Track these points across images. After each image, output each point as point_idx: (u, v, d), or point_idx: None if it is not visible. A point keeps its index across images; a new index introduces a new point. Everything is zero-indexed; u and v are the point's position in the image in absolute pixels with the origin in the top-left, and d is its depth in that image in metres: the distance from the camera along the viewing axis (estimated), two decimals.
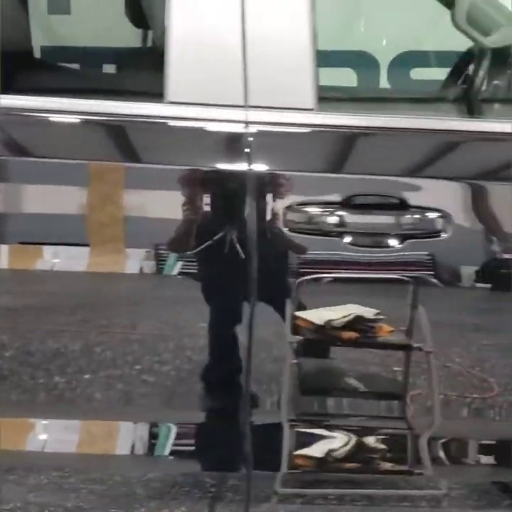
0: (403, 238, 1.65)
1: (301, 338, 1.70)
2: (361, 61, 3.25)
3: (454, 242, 1.65)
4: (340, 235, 1.65)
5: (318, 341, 1.73)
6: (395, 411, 1.79)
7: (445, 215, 1.65)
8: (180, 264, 1.66)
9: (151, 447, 1.77)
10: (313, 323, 1.72)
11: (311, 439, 1.74)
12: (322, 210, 1.64)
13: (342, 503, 1.76)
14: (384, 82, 3.28)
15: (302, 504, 1.75)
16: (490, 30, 2.17)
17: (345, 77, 3.22)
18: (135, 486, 1.75)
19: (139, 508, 1.71)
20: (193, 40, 1.64)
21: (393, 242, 1.65)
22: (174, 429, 1.76)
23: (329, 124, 1.67)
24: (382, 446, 1.76)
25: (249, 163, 1.62)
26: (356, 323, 1.72)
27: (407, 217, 1.65)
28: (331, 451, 1.72)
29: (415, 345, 1.71)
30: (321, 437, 1.74)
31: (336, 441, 1.73)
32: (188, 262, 1.66)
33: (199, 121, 1.65)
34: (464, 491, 1.82)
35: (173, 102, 1.64)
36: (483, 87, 2.04)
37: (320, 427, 1.75)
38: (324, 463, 1.72)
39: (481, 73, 2.05)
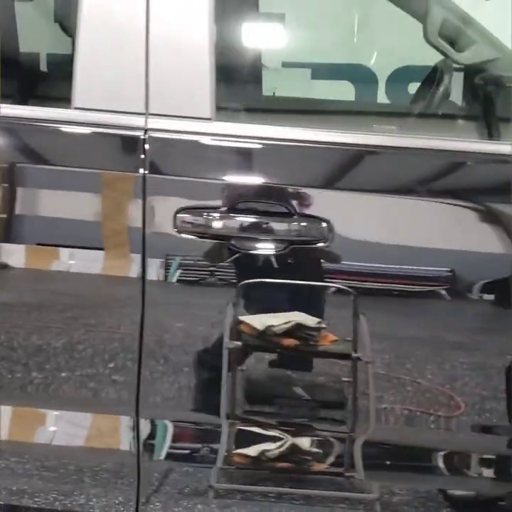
0: (288, 244, 1.73)
1: (239, 343, 1.78)
2: (359, 74, 3.34)
3: (334, 249, 1.73)
4: (228, 238, 1.73)
5: (258, 347, 1.81)
6: (336, 417, 1.87)
7: (327, 224, 1.72)
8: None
9: (112, 441, 1.87)
10: (254, 329, 1.80)
11: (250, 439, 1.82)
12: (212, 214, 1.73)
13: (280, 501, 1.84)
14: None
15: (241, 500, 1.84)
16: (463, 47, 2.23)
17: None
18: (85, 475, 1.84)
19: (78, 494, 1.81)
20: (99, 49, 1.73)
21: (277, 247, 1.73)
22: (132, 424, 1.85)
23: (226, 133, 1.75)
24: (316, 449, 1.83)
25: (145, 169, 1.72)
26: (297, 330, 1.80)
27: (293, 225, 1.73)
28: (265, 451, 1.80)
29: (354, 355, 1.79)
30: (259, 438, 1.82)
31: (272, 442, 1.81)
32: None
33: (101, 127, 1.74)
34: (408, 497, 1.89)
35: (79, 108, 1.74)
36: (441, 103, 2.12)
37: (259, 428, 1.83)
38: (257, 461, 1.80)
39: (441, 89, 2.12)
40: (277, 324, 1.79)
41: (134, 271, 1.75)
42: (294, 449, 1.81)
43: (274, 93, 2.88)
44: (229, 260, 1.75)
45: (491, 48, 2.20)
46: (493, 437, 1.89)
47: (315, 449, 1.83)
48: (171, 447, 1.84)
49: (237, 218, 1.73)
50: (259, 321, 1.80)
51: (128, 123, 1.73)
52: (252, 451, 1.80)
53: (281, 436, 1.82)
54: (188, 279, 1.78)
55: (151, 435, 1.83)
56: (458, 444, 1.88)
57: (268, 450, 1.80)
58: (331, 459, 1.84)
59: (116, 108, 1.73)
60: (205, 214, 1.73)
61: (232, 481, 1.83)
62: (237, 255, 1.74)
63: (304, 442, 1.82)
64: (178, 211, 1.72)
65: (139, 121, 1.72)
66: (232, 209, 1.73)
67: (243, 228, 1.73)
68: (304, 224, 1.73)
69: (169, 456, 1.84)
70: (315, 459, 1.83)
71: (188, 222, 1.72)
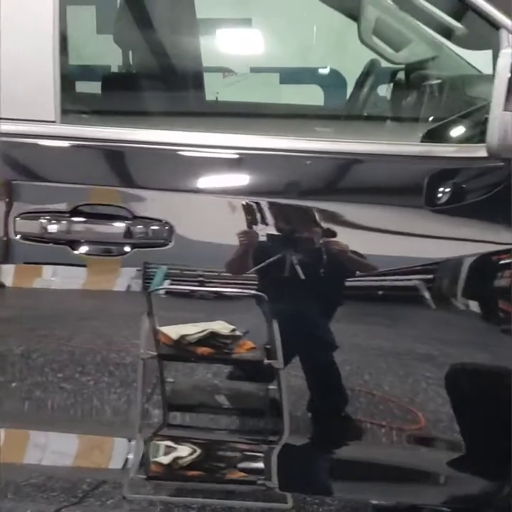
0: (131, 247, 1.72)
1: (154, 353, 1.77)
2: (328, 78, 3.31)
3: (176, 250, 1.71)
4: (70, 243, 1.72)
5: (174, 356, 1.80)
6: (253, 425, 1.86)
7: (169, 226, 1.70)
8: None
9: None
10: (170, 338, 1.79)
11: (164, 449, 1.81)
12: (52, 218, 1.71)
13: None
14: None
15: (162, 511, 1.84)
16: (399, 46, 2.19)
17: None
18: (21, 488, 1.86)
19: None
20: None
21: (120, 250, 1.72)
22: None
23: (70, 135, 1.73)
24: (229, 457, 1.82)
25: None
26: (211, 339, 1.78)
27: (135, 227, 1.71)
28: (177, 458, 1.79)
29: (266, 361, 1.77)
30: (173, 447, 1.81)
31: (185, 451, 1.80)
32: None
33: None
34: (334, 507, 1.86)
35: None
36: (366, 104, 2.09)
37: (173, 438, 1.82)
38: (171, 470, 1.79)
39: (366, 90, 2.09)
40: (192, 333, 1.79)
41: None
42: (207, 456, 1.80)
43: (216, 98, 2.89)
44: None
45: (428, 47, 2.18)
46: (427, 451, 1.86)
47: (228, 457, 1.82)
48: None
49: (78, 222, 1.72)
50: (174, 330, 1.80)
51: None
52: (165, 459, 1.79)
53: (194, 445, 1.80)
54: (35, 285, 1.76)
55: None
56: (392, 457, 1.85)
57: (181, 457, 1.79)
58: (247, 467, 1.82)
59: None
60: (46, 218, 1.71)
61: (147, 491, 1.82)
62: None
63: (218, 451, 1.81)
64: (19, 216, 1.72)
65: None
66: (74, 213, 1.72)
67: (84, 232, 1.73)
68: (146, 227, 1.72)
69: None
70: (229, 466, 1.81)
71: (28, 227, 1.71)
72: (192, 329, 1.80)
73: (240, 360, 1.79)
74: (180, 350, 1.77)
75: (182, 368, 1.85)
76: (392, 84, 2.23)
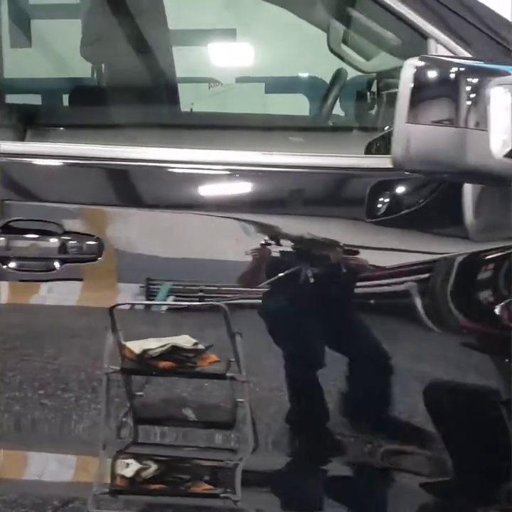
0: (61, 262, 1.71)
1: (117, 367, 1.78)
2: (313, 88, 3.30)
3: (106, 265, 1.71)
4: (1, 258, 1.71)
5: (136, 371, 1.79)
6: (220, 438, 1.84)
7: (99, 241, 1.70)
8: None
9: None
10: (132, 352, 1.80)
11: (128, 463, 1.81)
12: None
13: None
14: None
15: None
16: (370, 55, 2.18)
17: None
18: None
19: None
20: None
21: (50, 266, 1.71)
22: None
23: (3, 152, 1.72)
24: (192, 469, 1.82)
25: None
26: (174, 353, 1.79)
27: (66, 243, 1.71)
28: (140, 470, 1.79)
29: (229, 374, 1.76)
30: (138, 462, 1.80)
31: (147, 465, 1.80)
32: None
33: None
34: None
35: None
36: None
37: (139, 455, 1.82)
38: (133, 483, 1.79)
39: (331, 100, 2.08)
40: (154, 347, 1.79)
41: None
42: (171, 469, 1.80)
43: (191, 109, 2.89)
44: None
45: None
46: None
47: (193, 470, 1.81)
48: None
49: (8, 238, 1.71)
50: (137, 344, 1.80)
51: None
52: (128, 472, 1.79)
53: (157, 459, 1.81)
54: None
55: None
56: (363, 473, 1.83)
57: (144, 470, 1.79)
58: (211, 481, 1.81)
59: None
60: None
61: (117, 507, 1.82)
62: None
63: (180, 464, 1.81)
64: None
65: None
66: (4, 228, 1.71)
67: (10, 248, 1.72)
68: (76, 242, 1.71)
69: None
70: (193, 480, 1.80)
71: None
72: (154, 343, 1.80)
73: (203, 374, 1.78)
74: (143, 365, 1.77)
75: (150, 383, 1.85)
76: (358, 94, 2.22)
